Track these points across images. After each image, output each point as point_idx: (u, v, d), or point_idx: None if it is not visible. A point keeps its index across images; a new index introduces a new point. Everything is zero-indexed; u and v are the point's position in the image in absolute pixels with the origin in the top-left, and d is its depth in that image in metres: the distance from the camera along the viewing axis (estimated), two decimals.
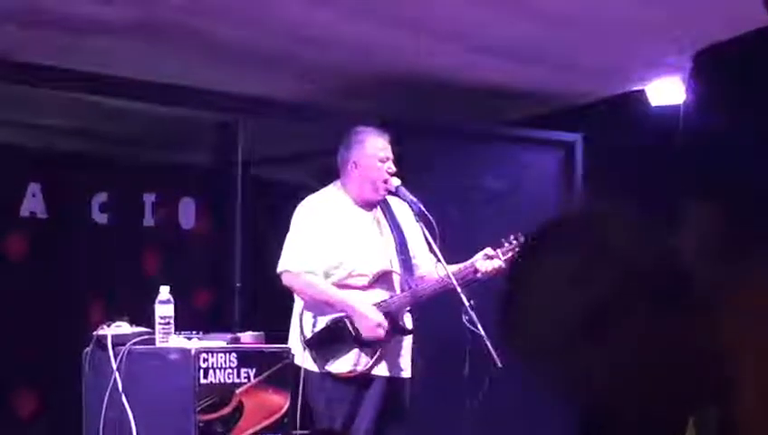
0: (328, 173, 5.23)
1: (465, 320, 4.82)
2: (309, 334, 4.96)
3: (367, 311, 4.94)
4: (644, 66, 7.03)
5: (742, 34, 1.00)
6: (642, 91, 7.40)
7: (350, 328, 4.95)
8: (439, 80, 7.01)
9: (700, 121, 1.04)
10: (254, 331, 4.97)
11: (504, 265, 5.00)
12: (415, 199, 5.05)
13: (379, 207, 5.17)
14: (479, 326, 4.75)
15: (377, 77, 6.91)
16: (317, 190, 5.21)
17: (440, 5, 5.92)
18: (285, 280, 5.02)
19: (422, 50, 6.53)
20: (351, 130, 5.18)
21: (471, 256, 5.05)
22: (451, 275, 4.88)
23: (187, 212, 7.37)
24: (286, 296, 5.12)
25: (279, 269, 5.02)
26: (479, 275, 4.98)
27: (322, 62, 6.65)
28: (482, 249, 5.05)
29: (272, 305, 5.34)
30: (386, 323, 4.95)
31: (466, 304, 4.81)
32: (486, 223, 7.38)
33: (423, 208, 5.02)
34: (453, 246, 5.04)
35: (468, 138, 7.63)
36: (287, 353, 4.82)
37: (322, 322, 4.97)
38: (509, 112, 7.87)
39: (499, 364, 4.66)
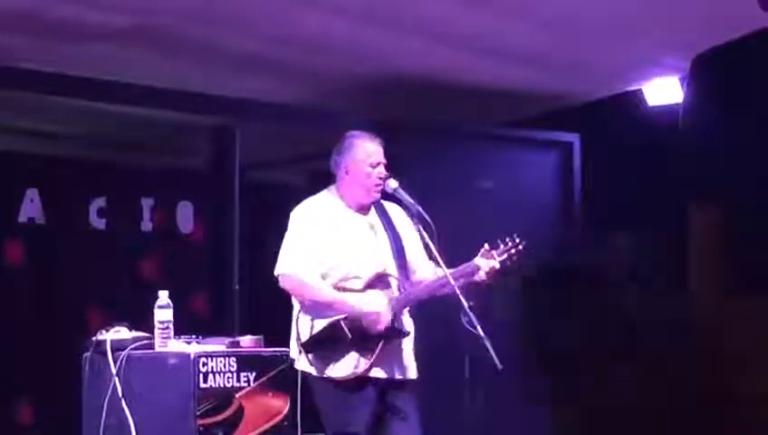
0: (325, 176, 5.23)
1: (464, 322, 4.81)
2: (305, 338, 4.96)
3: (364, 305, 4.93)
4: (641, 66, 7.03)
5: (739, 37, 0.99)
6: (639, 91, 7.40)
7: (347, 331, 4.94)
8: (437, 81, 7.01)
9: (698, 124, 1.04)
10: (253, 334, 4.96)
11: (498, 266, 5.01)
12: (413, 201, 5.05)
13: (374, 210, 5.17)
14: (478, 328, 4.74)
15: (375, 79, 6.92)
16: (314, 194, 5.21)
17: (438, 7, 5.93)
18: (283, 283, 5.02)
19: (421, 52, 6.53)
20: (343, 135, 5.19)
21: (470, 257, 5.05)
22: (449, 276, 4.87)
23: (185, 216, 7.37)
24: (285, 299, 5.11)
25: (276, 272, 5.02)
26: (476, 277, 4.97)
27: (319, 66, 6.65)
28: (480, 250, 5.05)
29: (271, 309, 5.34)
30: (387, 315, 4.94)
31: (465, 305, 4.80)
32: (485, 223, 7.38)
33: (421, 210, 5.02)
34: (451, 247, 5.03)
35: (467, 138, 7.64)
36: (286, 357, 4.82)
37: (319, 325, 4.96)
38: (507, 113, 7.88)
39: (500, 366, 4.65)
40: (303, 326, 4.98)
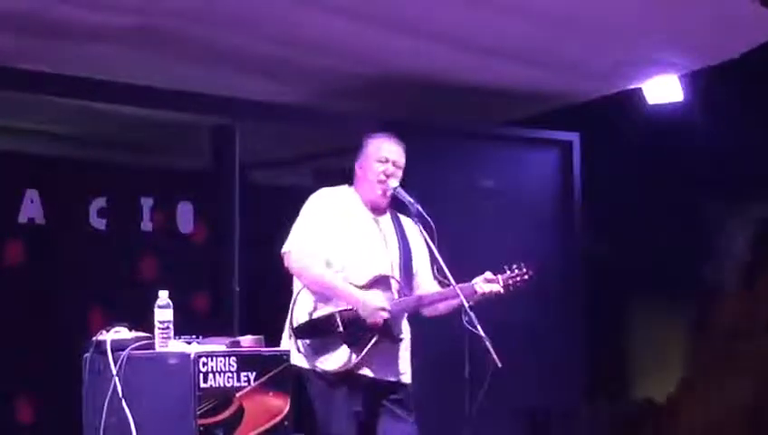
0: (325, 176, 5.24)
1: (464, 321, 4.82)
2: (298, 323, 4.97)
3: (367, 297, 4.93)
4: (640, 65, 7.04)
5: (759, 45, 0.99)
6: (639, 90, 7.41)
7: (340, 323, 4.95)
8: (437, 81, 7.01)
9: (708, 124, 1.04)
10: (253, 334, 4.96)
11: (502, 291, 5.01)
12: (413, 200, 5.07)
13: (390, 217, 5.19)
14: (479, 327, 4.75)
15: (375, 79, 6.92)
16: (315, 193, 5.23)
17: (438, 7, 5.93)
18: (288, 261, 5.02)
19: (420, 51, 6.53)
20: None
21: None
22: (451, 278, 4.88)
23: (185, 216, 7.36)
24: (286, 299, 5.11)
25: (283, 250, 5.03)
26: (477, 296, 4.97)
27: (319, 66, 6.65)
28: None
29: (271, 309, 5.34)
30: (388, 307, 4.94)
31: (466, 305, 4.81)
32: (485, 222, 7.40)
33: (421, 209, 5.04)
34: (451, 246, 5.04)
35: (466, 138, 7.64)
36: (287, 356, 4.82)
37: (315, 314, 4.98)
38: (506, 112, 7.88)
39: (499, 364, 4.66)
40: (299, 311, 5.00)
